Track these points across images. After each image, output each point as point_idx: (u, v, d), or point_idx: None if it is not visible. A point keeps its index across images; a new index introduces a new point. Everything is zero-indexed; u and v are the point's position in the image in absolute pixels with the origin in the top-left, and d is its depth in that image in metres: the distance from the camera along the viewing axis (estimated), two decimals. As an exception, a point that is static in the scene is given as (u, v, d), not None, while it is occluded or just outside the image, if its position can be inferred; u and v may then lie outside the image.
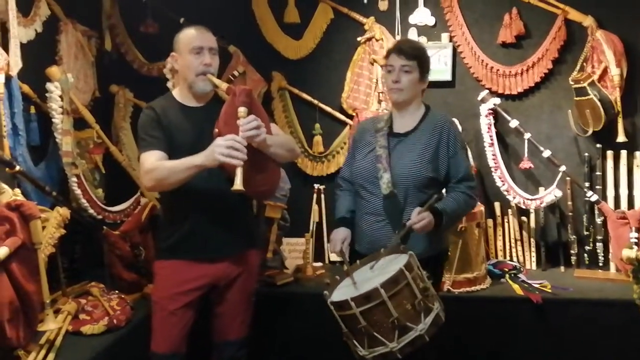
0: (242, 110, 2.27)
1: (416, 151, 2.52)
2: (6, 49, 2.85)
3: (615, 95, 3.45)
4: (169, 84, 3.59)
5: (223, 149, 2.18)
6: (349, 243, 2.60)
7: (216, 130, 2.33)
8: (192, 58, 2.45)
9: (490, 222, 3.80)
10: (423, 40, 3.80)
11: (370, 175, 2.55)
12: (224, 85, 2.43)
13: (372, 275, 2.31)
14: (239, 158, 2.18)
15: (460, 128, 3.68)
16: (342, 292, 2.31)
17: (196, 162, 2.26)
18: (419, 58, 2.55)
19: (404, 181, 2.48)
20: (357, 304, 2.11)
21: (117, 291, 3.07)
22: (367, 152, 2.62)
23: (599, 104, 3.42)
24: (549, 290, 3.25)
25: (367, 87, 3.86)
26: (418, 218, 2.39)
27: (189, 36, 2.48)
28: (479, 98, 3.73)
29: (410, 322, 2.13)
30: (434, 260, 2.51)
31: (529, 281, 3.39)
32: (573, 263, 3.70)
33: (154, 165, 2.34)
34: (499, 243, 3.81)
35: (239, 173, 2.17)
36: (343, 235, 2.59)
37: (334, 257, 3.90)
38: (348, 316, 2.16)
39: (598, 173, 3.64)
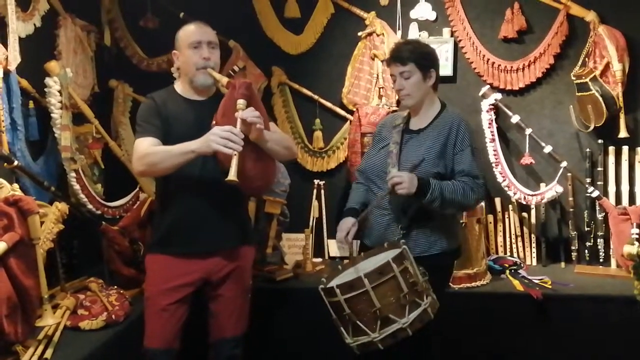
0: (241, 102, 2.28)
1: (424, 147, 2.52)
2: (5, 43, 2.84)
3: (617, 91, 3.44)
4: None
5: (218, 138, 2.20)
6: (355, 233, 2.57)
7: (214, 122, 2.35)
8: (191, 53, 2.48)
9: (490, 217, 3.79)
10: (424, 35, 3.78)
11: (380, 170, 2.58)
12: (224, 80, 2.45)
13: (369, 267, 2.32)
14: (234, 149, 2.18)
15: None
16: (336, 280, 2.34)
17: (191, 147, 2.28)
18: (414, 60, 2.52)
19: None
20: (342, 292, 2.16)
21: (115, 287, 3.06)
22: (380, 148, 2.66)
23: (600, 99, 3.40)
24: (550, 286, 3.24)
25: (368, 82, 3.84)
26: (392, 174, 2.39)
27: (188, 32, 2.52)
28: (480, 93, 3.72)
29: (393, 314, 2.16)
30: (436, 259, 2.47)
31: (530, 277, 3.38)
32: (574, 259, 3.69)
33: (147, 150, 2.35)
34: (500, 239, 3.80)
35: (233, 164, 2.17)
36: (348, 225, 2.55)
37: (334, 252, 3.89)
38: (335, 303, 2.21)
39: (599, 169, 3.62)
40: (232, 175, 2.16)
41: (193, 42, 2.47)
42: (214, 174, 2.37)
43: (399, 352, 2.26)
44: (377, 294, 2.14)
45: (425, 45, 2.64)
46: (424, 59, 2.56)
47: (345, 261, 3.55)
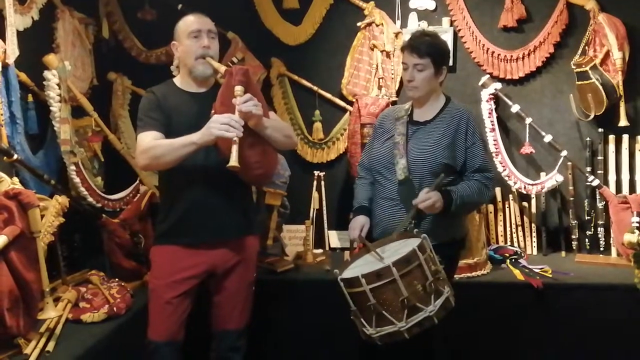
0: (238, 88, 2.28)
1: (433, 138, 2.55)
2: (3, 37, 2.83)
3: (617, 79, 3.42)
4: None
5: (218, 124, 2.22)
6: (368, 230, 2.61)
7: (213, 111, 2.36)
8: (190, 42, 2.49)
9: (491, 207, 3.79)
10: (424, 25, 3.76)
11: (387, 162, 2.59)
12: (222, 68, 2.46)
13: (384, 257, 2.32)
14: (234, 133, 2.19)
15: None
16: (353, 271, 2.33)
17: (193, 139, 2.29)
18: (432, 55, 2.52)
19: (419, 167, 2.52)
20: (368, 281, 2.14)
21: (117, 279, 3.07)
22: (385, 140, 2.66)
23: (600, 88, 3.39)
24: (550, 276, 3.25)
25: (367, 72, 3.82)
26: (424, 197, 2.41)
27: (187, 22, 2.53)
28: (480, 83, 3.71)
29: (420, 302, 2.16)
30: (446, 248, 2.49)
31: (530, 266, 3.38)
32: (574, 248, 3.69)
33: (150, 144, 2.37)
34: (500, 228, 3.80)
35: (234, 150, 2.18)
36: (361, 223, 2.61)
37: (334, 243, 3.90)
38: (357, 294, 2.18)
39: (600, 157, 3.62)
40: (234, 161, 2.17)
41: (193, 31, 2.48)
42: (216, 164, 2.38)
43: (401, 347, 2.25)
44: (405, 282, 2.13)
45: (443, 41, 2.64)
46: (441, 56, 2.57)
47: (346, 252, 3.56)
